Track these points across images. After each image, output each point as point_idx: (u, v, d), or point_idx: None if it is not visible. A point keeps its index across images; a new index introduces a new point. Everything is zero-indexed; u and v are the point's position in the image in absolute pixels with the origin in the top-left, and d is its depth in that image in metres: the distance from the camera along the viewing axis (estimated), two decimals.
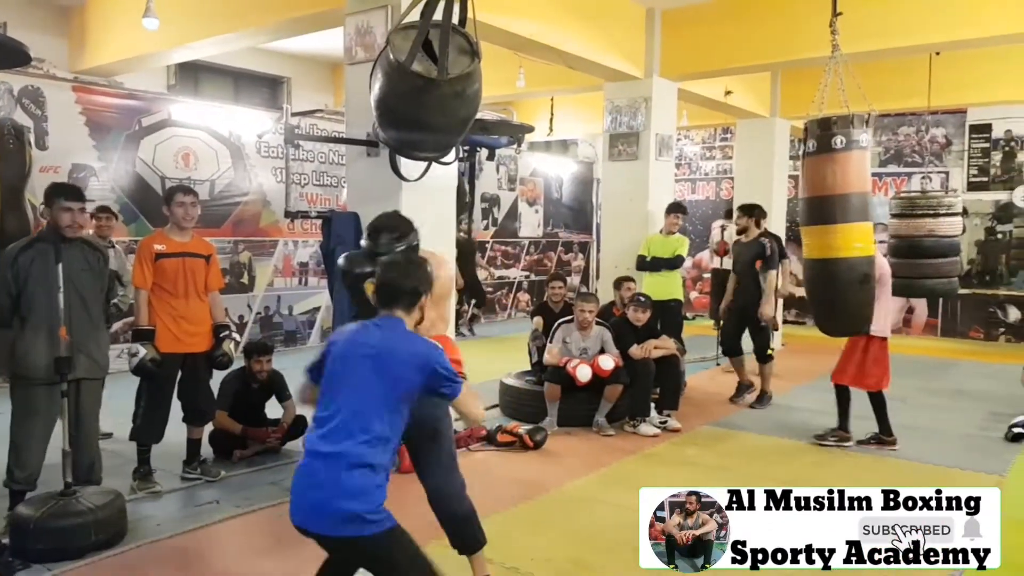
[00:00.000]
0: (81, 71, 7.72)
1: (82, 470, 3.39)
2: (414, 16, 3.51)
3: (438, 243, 4.77)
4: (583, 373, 5.08)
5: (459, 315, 9.81)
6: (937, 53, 7.44)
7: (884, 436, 4.93)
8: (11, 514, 3.21)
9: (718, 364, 7.57)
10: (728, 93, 8.49)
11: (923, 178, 10.10)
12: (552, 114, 10.54)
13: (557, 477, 4.33)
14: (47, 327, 3.28)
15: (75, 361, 3.30)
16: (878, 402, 4.91)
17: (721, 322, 6.74)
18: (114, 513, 3.27)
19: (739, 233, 6.25)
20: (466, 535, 2.75)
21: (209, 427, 4.38)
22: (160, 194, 6.94)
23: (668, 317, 6.27)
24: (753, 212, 6.23)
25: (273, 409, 4.83)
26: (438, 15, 3.38)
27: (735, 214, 6.26)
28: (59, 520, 3.08)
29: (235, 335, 4.27)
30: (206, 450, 4.36)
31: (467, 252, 8.96)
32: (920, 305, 10.23)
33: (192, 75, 9.48)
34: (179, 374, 3.99)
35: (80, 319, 3.36)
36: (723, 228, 7.13)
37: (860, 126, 4.37)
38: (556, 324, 5.46)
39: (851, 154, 4.39)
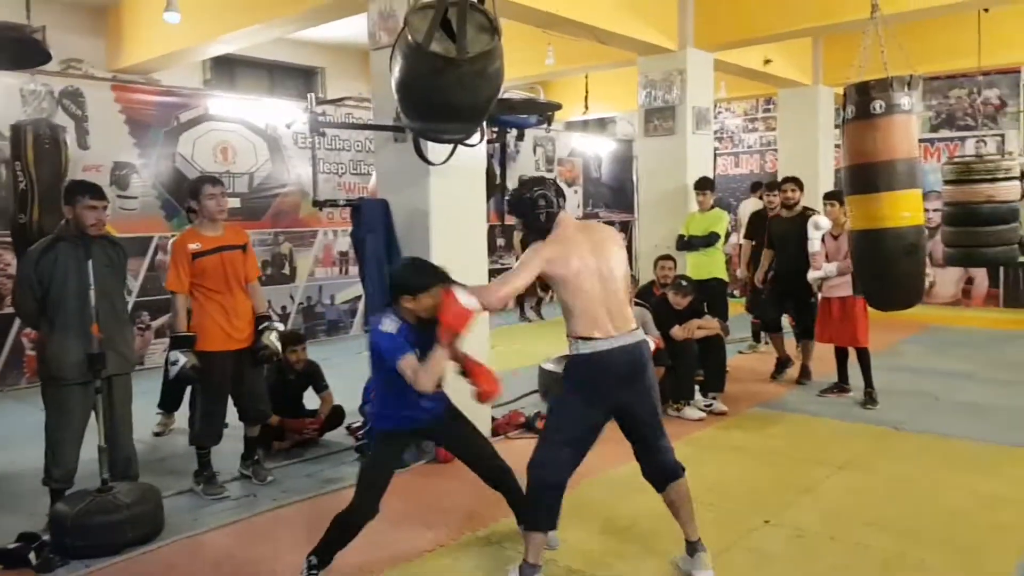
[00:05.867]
0: (119, 70, 7.86)
1: (119, 466, 3.42)
2: None
3: (469, 225, 4.70)
4: None
5: (521, 300, 9.71)
6: (986, 10, 7.01)
7: (843, 385, 5.58)
8: (52, 510, 3.26)
9: (751, 348, 7.31)
10: (767, 62, 8.19)
11: (977, 142, 9.60)
12: (587, 92, 10.33)
13: (596, 464, 4.13)
14: (77, 326, 3.30)
15: (106, 358, 3.31)
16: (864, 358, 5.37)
17: (756, 296, 6.59)
18: (150, 509, 3.30)
19: (785, 207, 6.01)
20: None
21: None
22: None
23: (711, 297, 6.10)
24: (802, 185, 6.03)
25: (310, 400, 4.85)
26: None
27: (787, 186, 6.01)
28: (95, 517, 3.11)
29: (277, 325, 4.10)
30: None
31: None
32: (980, 275, 9.76)
33: (227, 69, 9.56)
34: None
35: (107, 316, 3.36)
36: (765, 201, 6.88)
37: (901, 89, 4.13)
38: None
39: (893, 119, 4.15)
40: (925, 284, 4.56)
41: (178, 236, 4.03)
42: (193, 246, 3.75)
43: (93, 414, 3.37)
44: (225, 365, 3.81)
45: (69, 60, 7.00)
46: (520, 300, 9.79)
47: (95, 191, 3.39)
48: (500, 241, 10.53)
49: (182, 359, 3.62)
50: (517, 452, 4.48)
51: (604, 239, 2.90)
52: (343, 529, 2.87)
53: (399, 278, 2.92)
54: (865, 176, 4.31)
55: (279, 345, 4.06)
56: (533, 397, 5.63)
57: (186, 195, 4.40)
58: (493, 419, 4.87)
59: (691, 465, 4.15)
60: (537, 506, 2.81)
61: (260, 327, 3.94)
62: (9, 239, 5.16)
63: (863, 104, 4.22)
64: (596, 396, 2.76)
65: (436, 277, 2.84)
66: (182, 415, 4.87)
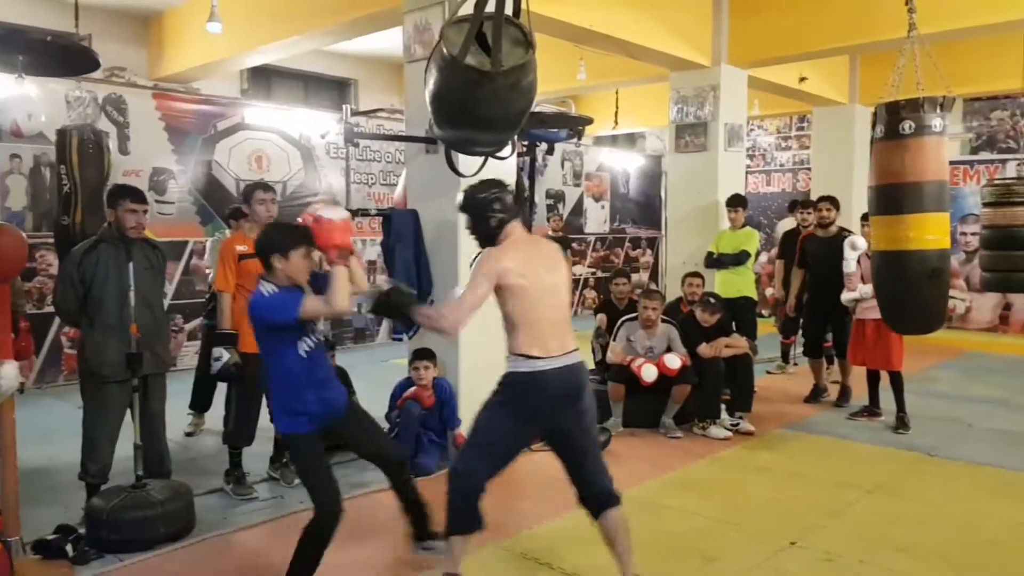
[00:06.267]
0: (160, 78, 8.05)
1: (153, 463, 3.50)
2: (468, 9, 3.46)
3: None
4: (648, 373, 4.92)
5: None
6: None
7: (874, 408, 5.47)
8: (88, 505, 3.35)
9: (780, 368, 7.23)
10: (802, 79, 8.14)
11: (1019, 164, 9.38)
12: (617, 107, 10.35)
13: (621, 480, 4.07)
14: (117, 326, 3.37)
15: (143, 358, 3.38)
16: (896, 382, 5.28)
17: (785, 319, 6.55)
18: (182, 506, 3.37)
19: (821, 226, 5.96)
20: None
21: None
22: (235, 195, 7.14)
23: (739, 316, 6.05)
24: (839, 204, 5.98)
25: None
26: (491, 7, 3.31)
27: (823, 205, 5.95)
28: (129, 512, 3.19)
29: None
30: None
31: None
32: (1018, 301, 9.54)
33: (264, 80, 9.75)
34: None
35: (145, 317, 3.44)
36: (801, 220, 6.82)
37: (932, 110, 4.06)
38: (620, 322, 5.32)
39: (923, 140, 4.08)
40: (947, 309, 4.47)
41: (227, 238, 4.11)
42: (240, 248, 3.86)
43: (129, 412, 3.45)
44: (259, 366, 3.85)
45: (113, 68, 7.19)
46: None
47: (136, 195, 3.48)
48: None
49: (225, 355, 3.71)
50: (538, 465, 4.50)
51: (554, 254, 2.81)
52: (316, 541, 2.74)
53: (267, 239, 2.70)
54: (892, 197, 4.25)
55: None
56: None
57: (238, 199, 4.47)
58: None
59: (716, 484, 4.17)
60: (454, 511, 2.70)
61: None
62: (52, 240, 5.30)
63: (892, 124, 4.16)
64: (528, 415, 2.66)
65: (303, 238, 2.64)
66: (212, 416, 4.96)
